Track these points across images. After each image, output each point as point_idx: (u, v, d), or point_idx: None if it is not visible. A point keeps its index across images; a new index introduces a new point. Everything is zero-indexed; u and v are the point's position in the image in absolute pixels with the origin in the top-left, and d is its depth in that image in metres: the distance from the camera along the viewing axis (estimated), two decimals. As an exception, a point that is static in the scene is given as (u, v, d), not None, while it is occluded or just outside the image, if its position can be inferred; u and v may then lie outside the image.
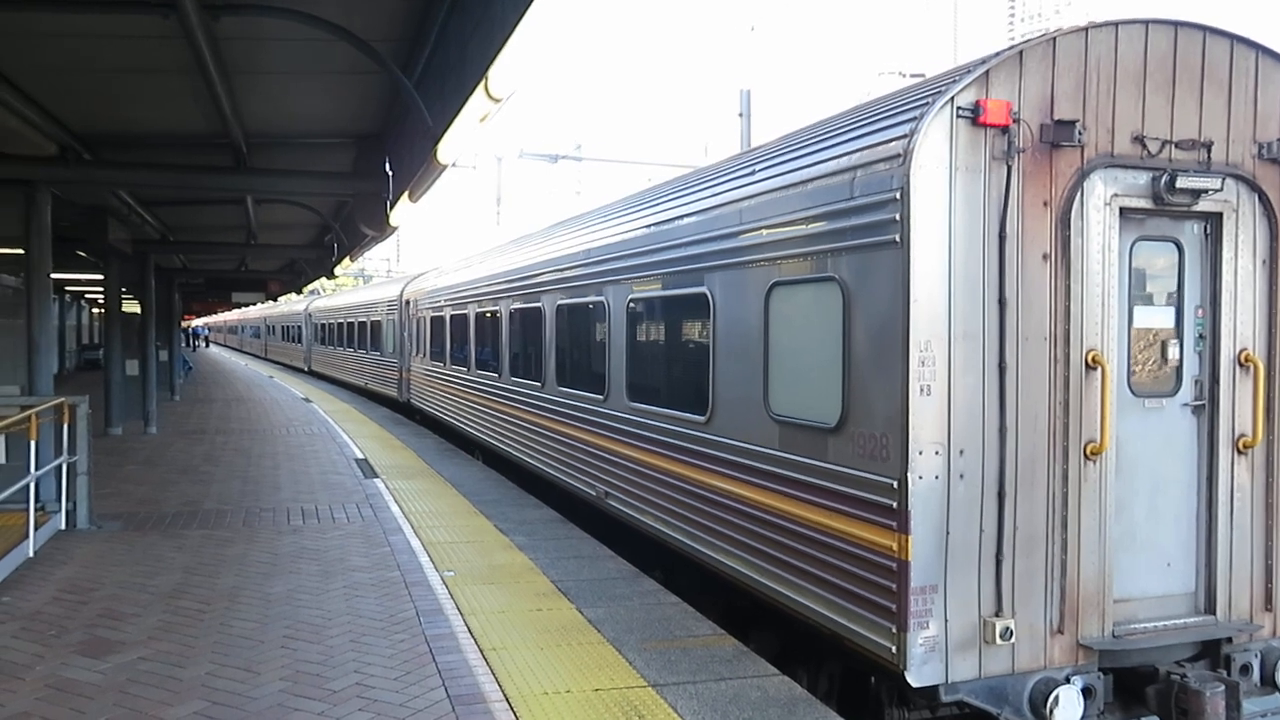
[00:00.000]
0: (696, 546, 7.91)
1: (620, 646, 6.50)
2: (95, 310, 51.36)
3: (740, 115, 26.24)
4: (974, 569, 5.55)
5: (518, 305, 13.27)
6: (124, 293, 20.90)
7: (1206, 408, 6.16)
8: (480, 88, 5.00)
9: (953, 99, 5.44)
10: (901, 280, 5.46)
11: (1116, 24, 5.78)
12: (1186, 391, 6.16)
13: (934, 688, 5.51)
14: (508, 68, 4.62)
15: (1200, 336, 6.18)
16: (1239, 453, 6.14)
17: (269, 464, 14.64)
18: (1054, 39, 5.67)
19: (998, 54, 5.63)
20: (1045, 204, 5.65)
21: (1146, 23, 5.83)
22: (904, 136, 5.51)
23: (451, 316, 17.73)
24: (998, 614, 5.57)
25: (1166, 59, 5.88)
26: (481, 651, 6.38)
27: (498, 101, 5.07)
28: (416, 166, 8.18)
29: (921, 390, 5.44)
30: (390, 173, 10.62)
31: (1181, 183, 5.76)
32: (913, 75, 29.34)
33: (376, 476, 13.47)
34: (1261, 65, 6.11)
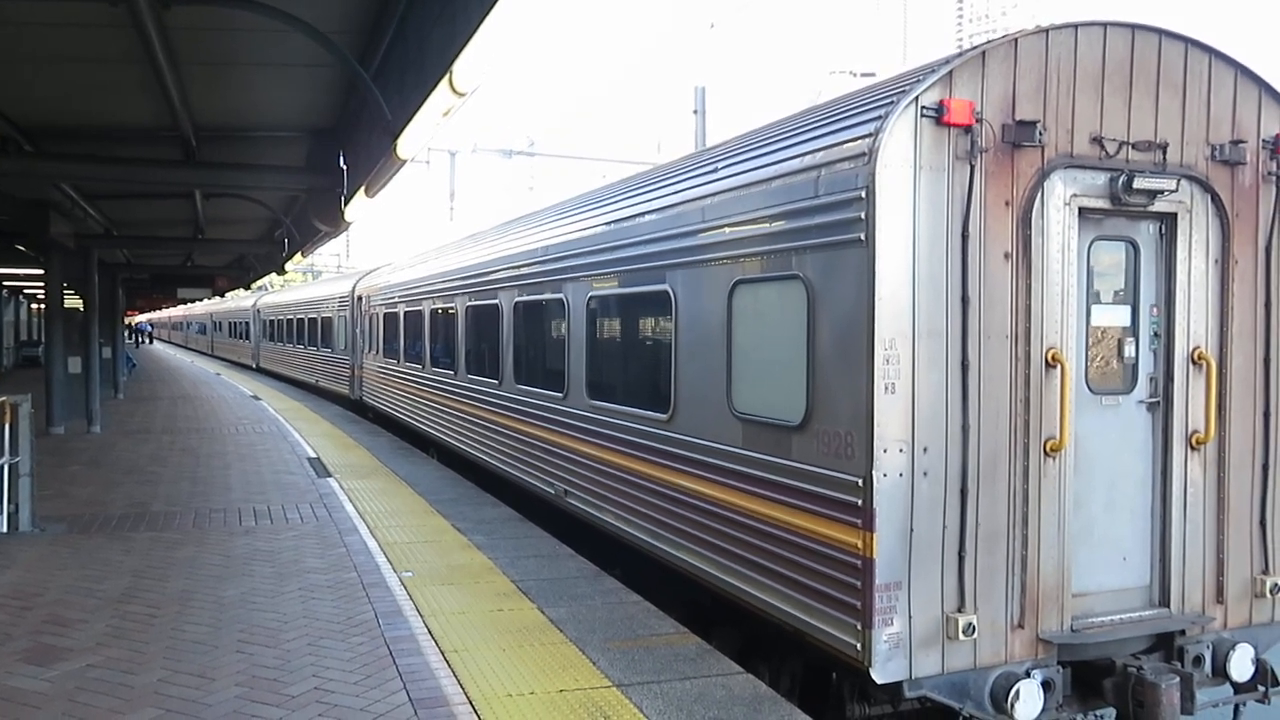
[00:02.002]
0: (658, 544, 7.88)
1: (583, 646, 6.45)
2: (34, 306, 50.03)
3: (695, 112, 26.28)
4: (937, 565, 5.59)
5: (474, 302, 13.14)
6: (65, 288, 20.32)
7: (1161, 405, 6.27)
8: (444, 82, 4.91)
9: (917, 98, 5.47)
10: (867, 278, 5.48)
11: (1076, 26, 5.85)
12: (1142, 389, 6.27)
13: (898, 684, 5.54)
14: (473, 61, 4.54)
15: (1155, 335, 6.29)
16: (1192, 449, 6.26)
17: (218, 464, 14.34)
18: (1015, 40, 5.72)
19: (961, 54, 5.67)
20: (1007, 203, 5.70)
21: (1105, 25, 5.91)
22: (869, 135, 5.52)
23: (406, 313, 17.52)
24: (960, 610, 5.62)
25: (1124, 62, 5.96)
26: (443, 653, 6.29)
27: (462, 96, 4.98)
28: (374, 161, 8.03)
29: (886, 388, 5.46)
30: (345, 167, 10.45)
31: (1139, 183, 5.85)
32: (863, 74, 29.54)
33: (330, 475, 13.26)
34: (1214, 69, 6.23)
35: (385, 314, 19.34)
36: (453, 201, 29.85)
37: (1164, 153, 6.07)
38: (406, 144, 6.62)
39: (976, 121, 5.56)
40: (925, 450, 5.55)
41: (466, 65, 4.62)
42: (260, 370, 39.93)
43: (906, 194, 5.47)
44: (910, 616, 5.52)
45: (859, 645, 5.51)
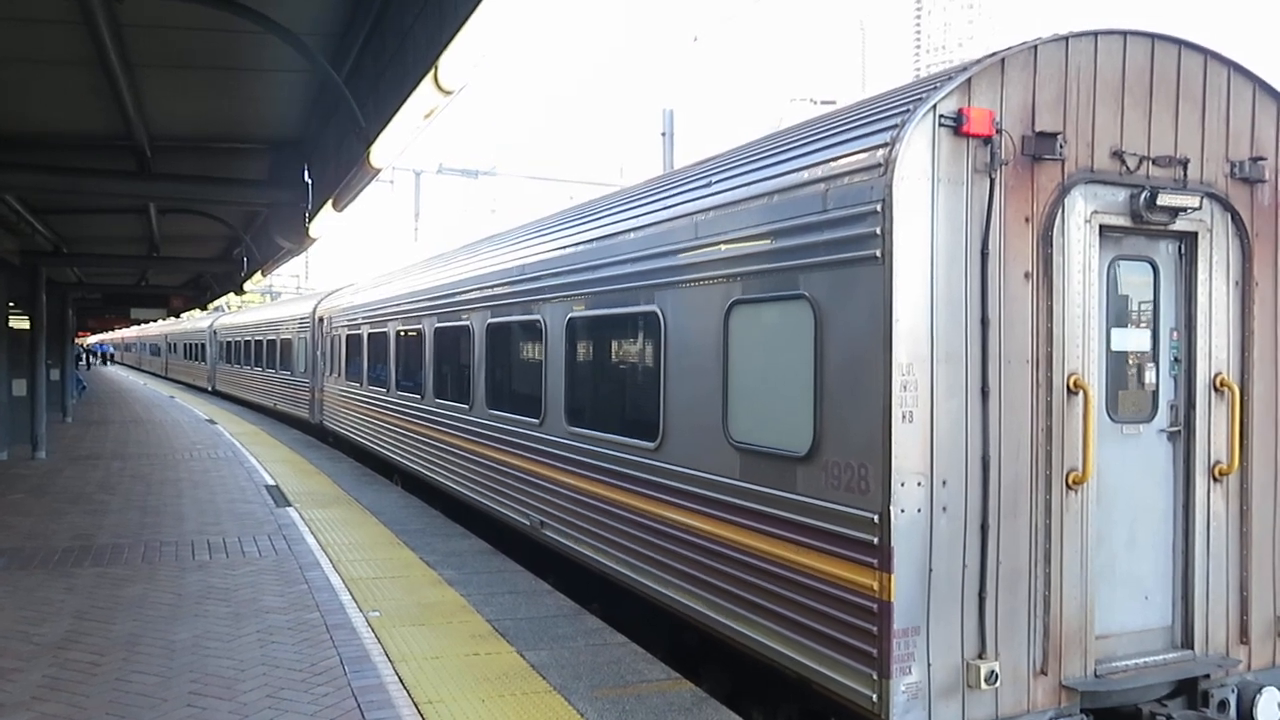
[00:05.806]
0: (643, 580, 7.41)
1: (569, 695, 5.96)
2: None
3: (663, 135, 26.02)
4: (957, 608, 5.18)
5: (443, 324, 12.62)
6: (11, 307, 19.46)
7: (1182, 434, 5.94)
8: (428, 79, 4.47)
9: (935, 106, 5.11)
10: (882, 298, 5.09)
11: (1096, 34, 5.55)
12: (1163, 417, 5.94)
13: (916, 737, 5.11)
14: (462, 55, 4.09)
15: (1175, 360, 5.97)
16: (1215, 480, 5.94)
17: (171, 492, 13.64)
18: (1035, 47, 5.40)
19: (979, 61, 5.33)
20: (1027, 220, 5.36)
21: (1125, 34, 5.62)
22: (885, 145, 5.15)
23: (369, 335, 16.93)
24: (981, 656, 5.21)
25: (1144, 72, 5.67)
26: (416, 705, 5.77)
27: (448, 94, 4.54)
28: (343, 173, 7.54)
29: (903, 417, 5.06)
30: (310, 182, 9.93)
31: (1163, 200, 5.54)
32: (823, 102, 29.64)
33: (289, 505, 12.62)
34: (1233, 82, 5.96)
35: (348, 336, 18.72)
36: (417, 222, 29.31)
37: (1184, 169, 5.78)
38: (381, 151, 6.15)
39: (996, 132, 5.22)
40: (944, 483, 5.15)
41: (454, 59, 4.17)
42: (216, 393, 38.92)
43: (924, 208, 5.10)
44: (929, 664, 5.10)
45: (874, 696, 5.08)
